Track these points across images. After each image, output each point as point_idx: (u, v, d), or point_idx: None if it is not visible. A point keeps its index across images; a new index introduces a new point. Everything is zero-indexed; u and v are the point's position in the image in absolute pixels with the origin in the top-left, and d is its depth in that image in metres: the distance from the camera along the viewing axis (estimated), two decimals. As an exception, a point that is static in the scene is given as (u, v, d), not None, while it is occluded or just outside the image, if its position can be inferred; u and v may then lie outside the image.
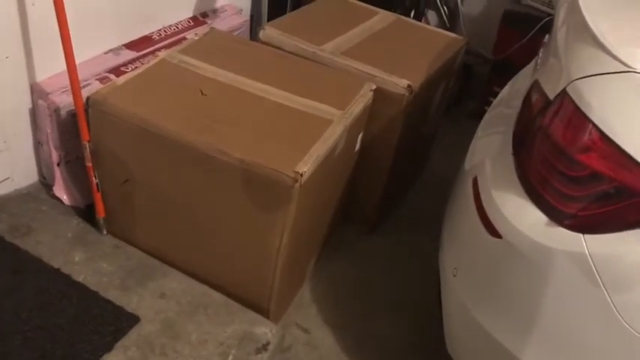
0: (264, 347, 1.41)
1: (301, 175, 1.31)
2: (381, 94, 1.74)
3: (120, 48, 1.83)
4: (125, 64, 1.77)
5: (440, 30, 2.24)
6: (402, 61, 1.85)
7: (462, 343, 1.29)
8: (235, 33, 2.18)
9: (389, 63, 1.82)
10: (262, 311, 1.52)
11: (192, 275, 1.55)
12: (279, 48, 1.85)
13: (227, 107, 1.49)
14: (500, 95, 1.64)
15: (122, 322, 1.36)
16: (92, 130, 1.47)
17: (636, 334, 0.97)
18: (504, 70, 2.09)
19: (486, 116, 1.57)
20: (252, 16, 2.44)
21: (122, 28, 1.85)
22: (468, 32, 2.72)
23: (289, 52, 1.84)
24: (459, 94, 2.82)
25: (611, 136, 0.97)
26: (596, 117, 1.00)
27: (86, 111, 1.44)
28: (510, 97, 1.51)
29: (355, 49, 1.90)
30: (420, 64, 1.87)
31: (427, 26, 2.27)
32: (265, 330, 1.45)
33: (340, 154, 1.58)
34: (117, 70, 1.73)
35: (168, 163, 1.43)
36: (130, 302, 1.42)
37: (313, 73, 1.72)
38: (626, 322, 0.97)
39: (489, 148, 1.35)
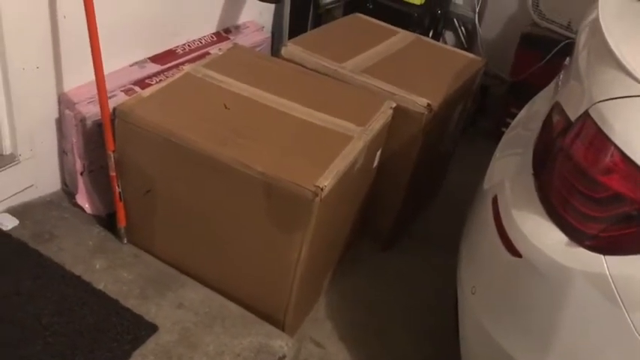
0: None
1: (322, 189, 1.33)
2: (400, 112, 1.76)
3: (145, 61, 1.87)
4: (150, 77, 1.81)
5: (459, 50, 2.27)
6: (422, 81, 1.87)
7: (478, 359, 1.29)
8: (257, 49, 2.22)
9: (409, 82, 1.84)
10: (278, 324, 1.53)
11: (210, 286, 1.56)
12: (301, 65, 1.88)
13: (250, 121, 1.51)
14: (518, 117, 1.66)
15: (141, 330, 1.38)
16: (117, 141, 1.50)
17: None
18: (521, 92, 2.11)
19: (504, 137, 1.58)
20: (273, 33, 2.48)
21: (148, 41, 1.88)
22: (485, 53, 2.74)
23: (311, 69, 1.86)
24: (475, 114, 2.84)
25: (634, 158, 0.98)
26: (618, 139, 1.01)
27: (112, 121, 1.47)
28: (529, 119, 1.52)
29: (375, 67, 1.92)
30: (439, 83, 1.89)
31: (446, 46, 2.30)
32: (282, 343, 1.46)
33: (359, 170, 1.60)
34: (142, 83, 1.77)
35: (191, 174, 1.45)
36: (148, 311, 1.44)
37: (334, 90, 1.75)
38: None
39: (508, 169, 1.36)
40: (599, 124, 1.05)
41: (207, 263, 1.56)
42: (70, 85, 1.65)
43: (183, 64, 1.88)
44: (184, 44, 2.02)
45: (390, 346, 1.70)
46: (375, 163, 1.81)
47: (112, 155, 1.51)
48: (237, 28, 2.25)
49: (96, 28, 1.39)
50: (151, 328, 1.39)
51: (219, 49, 1.87)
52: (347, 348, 1.67)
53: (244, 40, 2.19)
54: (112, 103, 1.51)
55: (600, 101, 1.07)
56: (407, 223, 2.13)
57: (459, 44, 2.94)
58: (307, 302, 1.70)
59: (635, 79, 1.03)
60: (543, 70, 2.47)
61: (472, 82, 2.09)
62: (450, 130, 2.09)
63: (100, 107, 1.46)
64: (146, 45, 1.89)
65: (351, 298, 1.83)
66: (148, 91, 1.55)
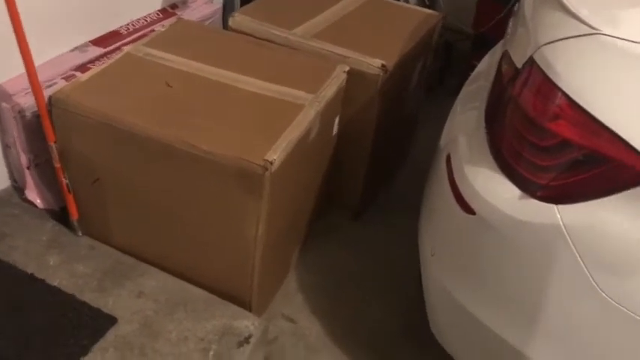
0: (246, 340, 1.38)
1: (271, 163, 1.27)
2: (355, 76, 1.70)
3: (86, 45, 1.79)
4: (92, 61, 1.73)
5: (415, 7, 2.20)
6: (376, 41, 1.81)
7: (445, 323, 1.27)
8: (207, 23, 2.14)
9: (362, 43, 1.77)
10: (244, 304, 1.49)
11: (171, 272, 1.52)
12: (250, 35, 1.81)
13: (194, 98, 1.45)
14: (477, 69, 1.61)
15: (99, 324, 1.33)
16: (57, 130, 1.43)
17: (613, 302, 0.94)
18: (484, 45, 2.04)
19: (463, 91, 1.54)
20: (224, 5, 2.39)
21: (88, 24, 1.80)
22: (448, 8, 2.68)
23: (260, 39, 1.79)
24: (442, 72, 2.78)
25: (579, 101, 0.94)
26: (563, 83, 0.96)
27: (49, 111, 1.40)
28: (488, 70, 1.47)
29: (328, 31, 1.86)
30: (394, 42, 1.82)
31: (402, 4, 2.22)
32: (247, 323, 1.42)
33: (315, 139, 1.55)
34: (83, 68, 1.69)
35: (136, 158, 1.39)
36: (106, 303, 1.39)
37: (284, 58, 1.68)
38: (603, 291, 0.94)
39: (463, 124, 1.31)
40: (543, 68, 1.00)
41: (166, 249, 1.51)
42: (4, 77, 1.57)
43: (127, 44, 1.80)
44: (128, 24, 1.93)
45: (364, 316, 1.67)
46: (335, 131, 1.75)
47: (53, 146, 1.44)
48: (185, 2, 2.16)
49: (17, 14, 1.30)
50: (110, 321, 1.35)
51: (163, 25, 1.79)
52: (319, 321, 1.65)
53: (192, 14, 2.10)
54: (51, 92, 1.43)
55: (544, 45, 1.02)
56: (376, 190, 2.08)
57: (420, 1, 2.86)
58: (275, 278, 1.67)
59: (577, 18, 0.98)
60: (505, 20, 2.39)
61: (430, 38, 2.03)
62: (410, 90, 2.04)
63: (35, 97, 1.39)
64: (86, 28, 1.80)
65: (323, 270, 1.80)
66: (85, 76, 1.47)
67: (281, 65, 1.63)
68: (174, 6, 2.12)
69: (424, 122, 2.35)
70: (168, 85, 1.47)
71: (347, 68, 1.67)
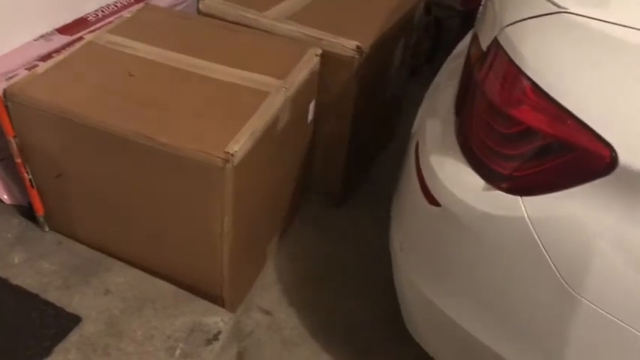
0: (215, 337, 1.34)
1: (232, 155, 1.22)
2: (330, 59, 1.63)
3: (52, 33, 1.72)
4: (57, 50, 1.66)
5: (397, -16, 2.11)
6: (353, 22, 1.74)
7: (417, 319, 1.22)
8: (181, 6, 2.07)
9: (338, 24, 1.70)
10: (216, 299, 1.46)
11: (140, 267, 1.48)
12: (221, 18, 1.74)
13: (156, 88, 1.39)
14: (458, 46, 1.53)
15: (62, 324, 1.30)
16: (15, 125, 1.38)
17: (579, 296, 0.88)
18: (474, 22, 1.97)
19: (442, 70, 1.47)
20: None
21: (53, 10, 1.73)
22: (436, -16, 2.58)
23: (231, 22, 1.73)
24: (432, 51, 2.70)
25: (543, 86, 0.87)
26: (526, 66, 0.89)
27: (6, 105, 1.35)
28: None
29: (302, 12, 1.78)
30: (372, 22, 1.75)
31: (383, -19, 2.13)
32: (216, 319, 1.38)
33: (287, 127, 1.49)
34: (48, 58, 1.62)
35: (96, 152, 1.34)
36: (71, 302, 1.36)
37: (254, 43, 1.62)
38: (568, 284, 0.89)
39: (434, 108, 1.25)
40: (507, 51, 0.93)
41: (134, 244, 1.47)
42: (-36, 70, 1.51)
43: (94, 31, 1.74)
44: (97, 10, 1.86)
45: (343, 307, 1.63)
46: (311, 117, 1.69)
47: (12, 141, 1.39)
48: (158, -15, 2.09)
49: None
50: (74, 320, 1.32)
51: (129, 11, 1.72)
52: (297, 313, 1.60)
53: (166, -2, 2.03)
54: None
55: (508, 25, 0.95)
56: (359, 175, 2.03)
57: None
58: (250, 270, 1.62)
59: (542, -5, 0.91)
60: (494, -5, 2.32)
61: (411, 16, 1.95)
62: (393, 72, 1.97)
63: (-12, 91, 1.34)
64: (52, 15, 1.73)
65: (302, 260, 1.75)
66: (43, 68, 1.42)
67: (250, 50, 1.57)
68: (146, -11, 2.05)
69: (410, 103, 2.27)
70: (130, 75, 1.42)
71: (319, 51, 1.60)
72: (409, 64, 2.17)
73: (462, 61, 1.38)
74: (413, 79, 2.31)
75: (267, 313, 1.60)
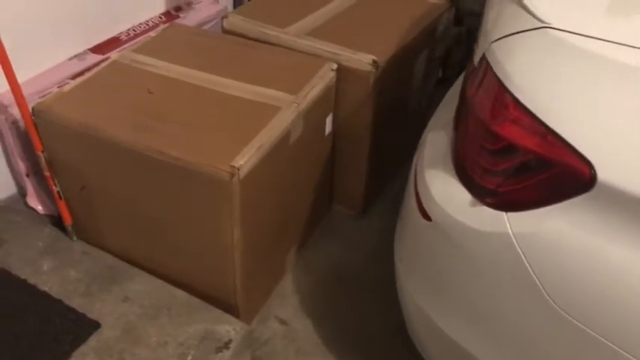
0: (226, 346, 1.38)
1: (239, 168, 1.26)
2: (347, 73, 1.66)
3: (85, 53, 1.83)
4: (89, 69, 1.76)
5: (422, -3, 2.11)
6: (372, 36, 1.76)
7: (416, 328, 1.22)
8: (211, 24, 2.14)
9: (357, 39, 1.73)
10: (230, 308, 1.50)
11: (159, 276, 1.54)
12: (244, 35, 1.80)
13: (173, 104, 1.45)
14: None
15: (82, 329, 1.37)
16: (44, 140, 1.47)
17: (563, 313, 0.87)
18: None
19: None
20: (234, 4, 2.39)
21: (87, 31, 1.84)
22: (469, -6, 2.56)
23: (253, 39, 1.78)
24: (462, 61, 2.67)
25: (525, 102, 0.87)
26: (509, 81, 0.90)
27: (34, 122, 1.45)
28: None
29: (322, 28, 1.82)
30: (390, 37, 1.76)
31: (407, -6, 2.14)
32: (228, 328, 1.42)
33: (302, 140, 1.52)
34: (79, 76, 1.73)
35: (115, 166, 1.41)
36: (92, 309, 1.43)
37: (272, 59, 1.66)
38: (553, 300, 0.87)
39: (438, 123, 1.26)
40: (493, 66, 0.94)
41: (152, 252, 1.53)
42: (2, 88, 1.62)
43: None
44: (129, 29, 1.96)
45: (359, 318, 1.64)
46: (328, 130, 1.72)
47: (41, 155, 1.48)
48: (190, 4, 2.17)
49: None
50: (93, 326, 1.38)
51: (156, 30, 1.80)
52: (313, 323, 1.63)
53: (196, 15, 2.11)
54: (40, 102, 1.48)
55: (495, 40, 0.96)
56: (381, 187, 2.04)
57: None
58: (266, 280, 1.66)
59: (527, 10, 0.91)
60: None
61: (433, 29, 1.95)
62: (414, 84, 1.97)
63: (19, 108, 1.43)
64: (85, 35, 1.84)
65: (322, 270, 1.77)
66: (69, 86, 1.51)
67: (267, 66, 1.61)
68: (177, 8, 2.13)
69: (438, 114, 2.27)
70: (150, 92, 1.49)
71: (335, 66, 1.63)
72: (435, 76, 2.16)
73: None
74: (445, 90, 2.30)
75: (284, 322, 1.63)
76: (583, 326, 0.85)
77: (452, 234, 0.99)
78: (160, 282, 1.52)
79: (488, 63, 0.95)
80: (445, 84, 2.39)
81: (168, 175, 1.33)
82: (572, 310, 0.86)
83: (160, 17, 2.06)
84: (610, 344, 0.82)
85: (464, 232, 0.97)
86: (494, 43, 0.95)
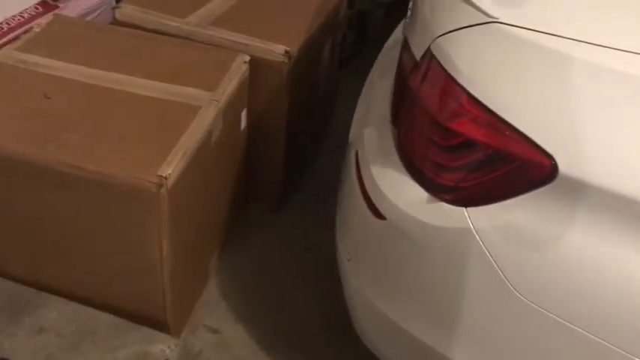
0: (163, 366, 1.29)
1: (166, 178, 1.16)
2: (259, 64, 1.59)
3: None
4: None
5: (320, -19, 2.08)
6: (278, 24, 1.70)
7: (367, 326, 1.21)
8: (95, 14, 1.96)
9: (263, 28, 1.66)
10: (160, 325, 1.40)
11: (77, 299, 1.40)
12: (140, 27, 1.66)
13: (77, 109, 1.31)
14: (389, 40, 1.52)
15: (-7, 372, 1.21)
16: None
17: (528, 302, 0.89)
18: (398, 12, 1.96)
19: (374, 67, 1.46)
20: (117, -9, 2.20)
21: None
22: (357, -24, 2.57)
23: (151, 31, 1.64)
24: (358, 43, 2.69)
25: (480, 98, 0.87)
26: (462, 78, 0.89)
27: None
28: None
29: (225, 16, 1.72)
30: (298, 24, 1.71)
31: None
32: (162, 347, 1.33)
33: (221, 139, 1.44)
34: (-49, 81, 1.50)
35: (17, 185, 1.25)
36: (2, 346, 1.27)
37: (178, 52, 1.55)
38: (517, 291, 0.90)
39: (370, 116, 1.24)
40: (441, 62, 0.93)
41: (68, 275, 1.39)
42: None
43: (1, 47, 1.61)
44: (1, 23, 1.74)
45: (289, 316, 1.60)
46: (243, 125, 1.65)
47: None
48: (69, -8, 1.96)
49: None
50: (7, 366, 1.23)
51: (38, 24, 1.61)
52: (244, 328, 1.56)
53: (77, 5, 1.92)
54: None
55: (440, 35, 0.94)
56: (296, 177, 2.00)
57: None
58: (192, 290, 1.57)
59: (473, 5, 0.91)
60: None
61: (336, 14, 1.93)
62: (322, 71, 1.94)
63: None
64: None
65: (245, 271, 1.71)
66: (-54, 94, 1.30)
67: (174, 61, 1.50)
68: (55, -3, 1.92)
69: (343, 98, 2.26)
70: (47, 97, 1.32)
71: (248, 58, 1.55)
72: (337, 61, 2.15)
73: (393, 55, 1.36)
74: (343, 72, 2.30)
75: (215, 331, 1.55)
76: (549, 313, 0.88)
77: (410, 232, 0.98)
78: (78, 306, 1.38)
79: (435, 58, 0.94)
80: (344, 68, 2.41)
81: (85, 190, 1.20)
82: (537, 300, 0.88)
83: (37, 8, 1.85)
84: (578, 329, 0.86)
85: (423, 229, 0.96)
86: (440, 38, 0.94)
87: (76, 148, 1.20)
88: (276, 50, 1.59)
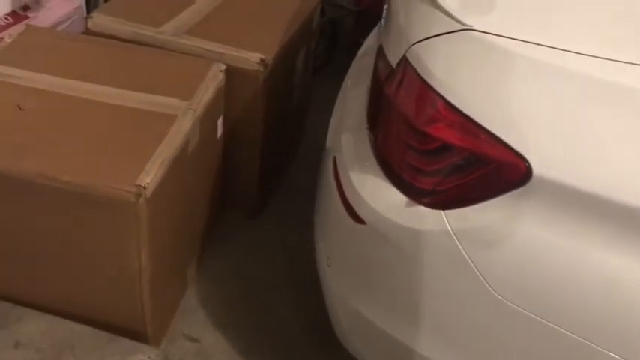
0: (144, 377, 1.28)
1: (144, 187, 1.16)
2: (234, 73, 1.60)
3: None
4: None
5: (293, -10, 2.10)
6: (253, 33, 1.71)
7: (347, 329, 1.22)
8: (65, 25, 1.94)
9: (238, 37, 1.67)
10: (140, 335, 1.39)
11: (54, 312, 1.38)
12: (114, 37, 1.65)
13: (52, 120, 1.29)
14: (363, 47, 1.54)
15: (-31, 389, 1.19)
16: None
17: (507, 302, 0.92)
18: (368, 20, 1.99)
19: (348, 73, 1.47)
20: (87, 2, 2.18)
21: None
22: (328, -16, 2.60)
23: (125, 41, 1.64)
24: (330, 51, 2.72)
25: (455, 103, 0.90)
26: (437, 84, 0.91)
27: None
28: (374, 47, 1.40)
29: (200, 25, 1.72)
30: (272, 32, 1.72)
31: (279, -12, 2.11)
32: (142, 357, 1.33)
33: (197, 148, 1.44)
34: None
35: (-10, 197, 1.23)
36: (-23, 362, 1.25)
37: (152, 62, 1.54)
38: (496, 292, 0.92)
39: (346, 122, 1.26)
40: (417, 68, 0.95)
41: (45, 288, 1.37)
42: None
43: (-29, 59, 1.58)
44: (-29, 34, 1.71)
45: (270, 325, 1.61)
46: (220, 133, 1.65)
47: None
48: (38, 1, 1.94)
49: None
50: (-17, 383, 1.20)
51: (10, 35, 1.59)
52: (224, 336, 1.56)
53: (48, 15, 1.90)
54: None
55: (415, 43, 0.97)
56: (272, 184, 2.01)
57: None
58: (171, 299, 1.56)
59: (447, 13, 0.93)
60: (386, -5, 2.36)
61: (310, 22, 1.95)
62: (296, 79, 1.96)
63: None
64: None
65: (223, 279, 1.71)
66: None
67: (149, 70, 1.50)
68: (25, 7, 1.90)
69: (315, 105, 2.28)
70: (20, 108, 1.31)
71: (223, 67, 1.56)
72: (311, 69, 2.17)
73: (366, 62, 1.39)
74: (316, 80, 2.31)
75: (194, 340, 1.55)
76: (526, 312, 0.90)
77: (389, 236, 1.00)
78: (56, 319, 1.36)
79: (410, 65, 0.96)
80: (317, 76, 2.43)
81: (61, 202, 1.19)
82: (515, 299, 0.91)
83: (6, 18, 1.83)
84: (554, 326, 0.89)
85: (402, 233, 0.98)
86: (416, 45, 0.96)
87: (51, 159, 1.19)
88: (252, 59, 1.60)
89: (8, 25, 1.79)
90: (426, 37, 0.95)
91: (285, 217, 1.92)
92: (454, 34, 0.92)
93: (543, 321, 0.89)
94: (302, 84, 2.05)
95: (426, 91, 0.93)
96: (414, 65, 0.95)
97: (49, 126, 1.27)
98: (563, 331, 0.88)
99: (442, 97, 0.91)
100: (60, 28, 1.92)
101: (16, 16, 1.85)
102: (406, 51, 0.98)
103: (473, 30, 0.90)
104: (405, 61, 0.98)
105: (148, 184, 1.16)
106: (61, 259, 1.30)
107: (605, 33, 0.87)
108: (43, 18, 1.88)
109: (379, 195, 1.02)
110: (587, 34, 0.87)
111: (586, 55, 0.84)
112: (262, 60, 1.60)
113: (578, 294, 0.86)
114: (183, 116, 1.35)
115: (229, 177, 1.81)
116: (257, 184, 1.85)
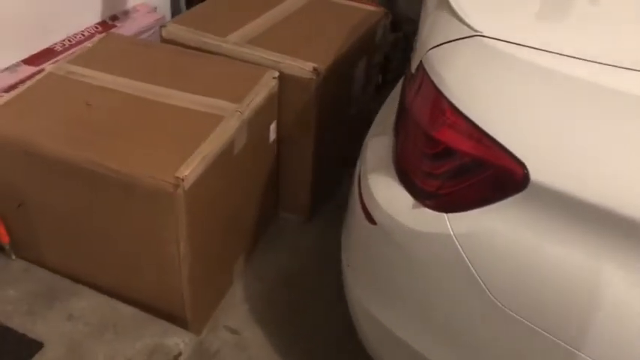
0: (176, 358, 1.37)
1: (182, 179, 1.25)
2: (289, 81, 1.67)
3: (17, 64, 1.77)
4: (23, 81, 1.71)
5: (359, 4, 2.15)
6: (312, 44, 1.78)
7: (365, 331, 1.24)
8: (148, 33, 2.12)
9: (297, 47, 1.75)
10: (179, 320, 1.48)
11: (104, 291, 1.51)
12: (183, 45, 1.78)
13: (112, 116, 1.43)
14: None
15: (23, 350, 1.32)
16: (-24, 156, 1.42)
17: (507, 310, 0.91)
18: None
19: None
20: (172, 14, 2.37)
21: (19, 42, 1.78)
22: (405, 2, 2.64)
23: (193, 48, 1.77)
24: (401, 67, 2.74)
25: (461, 108, 0.91)
26: (445, 87, 0.93)
27: (-35, 137, 1.39)
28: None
29: (263, 36, 1.83)
30: (330, 44, 1.79)
31: (345, 2, 2.18)
32: (177, 340, 1.41)
33: (246, 149, 1.52)
34: (12, 89, 1.67)
35: (53, 181, 1.37)
36: (34, 328, 1.39)
37: (213, 68, 1.65)
38: (496, 299, 0.91)
39: (376, 127, 1.29)
40: (429, 73, 0.97)
41: (97, 268, 1.50)
42: None
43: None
44: (64, 40, 1.91)
45: (309, 324, 1.65)
46: (272, 137, 1.73)
47: (-26, 172, 1.43)
48: (126, 13, 2.14)
49: None
50: (35, 346, 1.34)
51: (92, 41, 1.76)
52: (263, 331, 1.62)
53: (133, 25, 2.08)
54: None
55: (431, 48, 0.99)
56: (327, 191, 2.06)
57: (378, -5, 2.82)
58: (214, 291, 1.65)
59: (460, 19, 0.95)
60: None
61: (372, 35, 1.99)
62: (355, 90, 2.01)
63: (-52, 124, 1.37)
64: (17, 46, 1.78)
65: (270, 277, 1.78)
66: (2, 100, 1.46)
67: (208, 75, 1.61)
68: (114, 17, 2.10)
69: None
70: (88, 104, 1.45)
71: (276, 74, 1.64)
72: (375, 82, 2.21)
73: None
74: (383, 94, 2.35)
75: (234, 332, 1.62)
76: (524, 320, 0.89)
77: (396, 237, 1.02)
78: (104, 298, 1.48)
79: (424, 70, 0.99)
80: (385, 89, 2.46)
81: (109, 188, 1.31)
82: (513, 306, 0.90)
83: (96, 27, 2.02)
84: (557, 340, 0.87)
85: (407, 234, 1.00)
86: (431, 51, 0.98)
87: (105, 149, 1.31)
88: (306, 67, 1.67)
89: (97, 33, 1.99)
90: (440, 42, 0.97)
91: (336, 223, 1.95)
92: (465, 40, 0.93)
93: (539, 330, 0.87)
94: (362, 96, 2.09)
95: (436, 95, 0.95)
96: (428, 70, 0.98)
97: (108, 121, 1.41)
98: (557, 340, 0.86)
99: (448, 101, 0.92)
100: (142, 37, 2.10)
101: (105, 25, 2.05)
102: (422, 57, 1.00)
103: (482, 36, 0.91)
104: (420, 66, 1.00)
105: (186, 176, 1.26)
106: (110, 242, 1.42)
107: (615, 41, 0.86)
108: (127, 27, 2.06)
109: (390, 196, 1.04)
110: (596, 42, 0.86)
111: (595, 62, 0.83)
112: (315, 69, 1.66)
113: (575, 302, 0.84)
114: (230, 117, 1.44)
115: (284, 180, 1.89)
116: (309, 189, 1.91)
